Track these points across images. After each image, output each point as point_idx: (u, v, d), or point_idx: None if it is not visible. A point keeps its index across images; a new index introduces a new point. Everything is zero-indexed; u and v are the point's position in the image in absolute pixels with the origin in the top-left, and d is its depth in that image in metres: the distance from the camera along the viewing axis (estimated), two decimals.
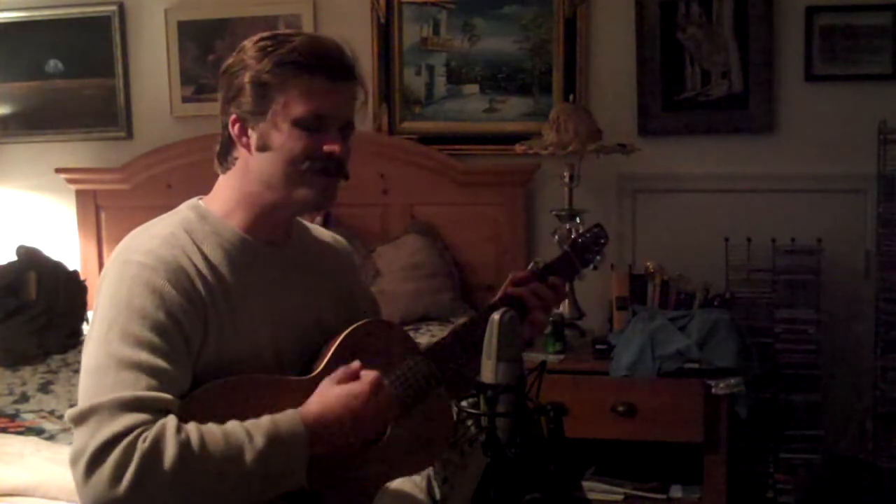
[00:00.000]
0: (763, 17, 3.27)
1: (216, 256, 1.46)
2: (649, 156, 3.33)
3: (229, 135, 1.50)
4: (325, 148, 1.46)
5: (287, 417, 1.37)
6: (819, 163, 3.29)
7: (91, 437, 1.27)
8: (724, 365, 2.77)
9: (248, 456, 1.31)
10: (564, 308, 3.13)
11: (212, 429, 1.31)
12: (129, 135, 3.82)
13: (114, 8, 3.76)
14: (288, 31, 1.52)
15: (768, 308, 3.11)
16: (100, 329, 1.37)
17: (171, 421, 1.29)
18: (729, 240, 3.17)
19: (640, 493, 2.90)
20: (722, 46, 3.32)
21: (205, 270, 1.44)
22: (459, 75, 3.53)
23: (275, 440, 1.33)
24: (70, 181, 3.77)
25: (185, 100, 3.76)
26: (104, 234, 3.76)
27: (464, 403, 1.34)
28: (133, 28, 3.78)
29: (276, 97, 1.44)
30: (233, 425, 1.33)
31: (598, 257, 1.79)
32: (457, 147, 3.51)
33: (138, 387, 1.30)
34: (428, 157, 3.48)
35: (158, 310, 1.36)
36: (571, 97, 3.31)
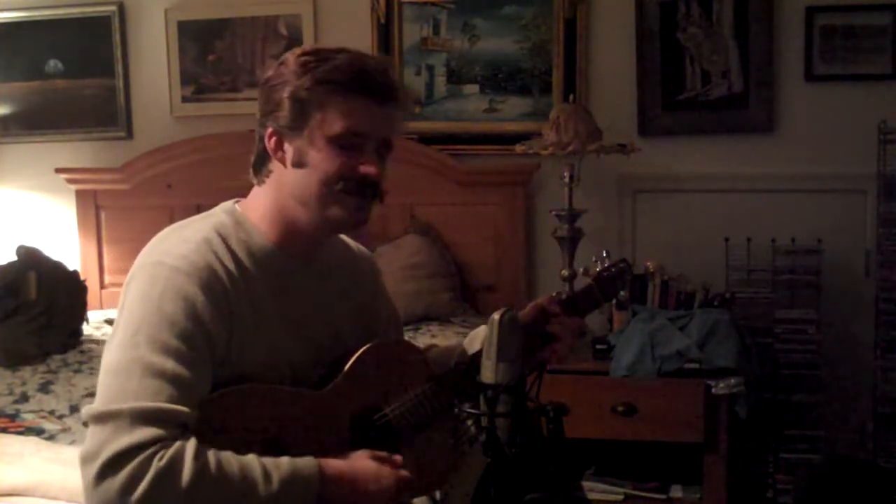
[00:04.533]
0: (763, 17, 3.27)
1: (247, 264, 1.46)
2: (649, 156, 3.33)
3: (265, 147, 1.49)
4: (361, 169, 1.45)
5: (307, 463, 1.37)
6: (819, 163, 3.29)
7: (107, 441, 1.27)
8: (724, 365, 2.77)
9: (262, 493, 1.31)
10: None
11: (230, 459, 1.32)
12: (129, 135, 3.82)
13: (114, 8, 3.76)
14: (332, 47, 1.48)
15: (768, 308, 3.11)
16: (126, 330, 1.36)
17: (190, 444, 1.29)
18: (729, 240, 3.17)
19: (640, 493, 2.90)
20: (722, 46, 3.32)
21: (236, 277, 1.43)
22: (459, 75, 3.53)
23: (289, 482, 1.34)
24: (70, 181, 3.78)
25: (185, 100, 3.76)
26: (104, 234, 3.76)
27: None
28: (133, 28, 3.78)
29: (313, 114, 1.43)
30: (251, 459, 1.33)
31: (621, 292, 1.79)
32: (457, 147, 3.51)
33: (160, 398, 1.30)
34: (428, 157, 3.48)
35: (188, 318, 1.36)
36: (571, 97, 3.30)
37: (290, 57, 1.47)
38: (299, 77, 1.43)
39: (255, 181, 1.53)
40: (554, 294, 1.73)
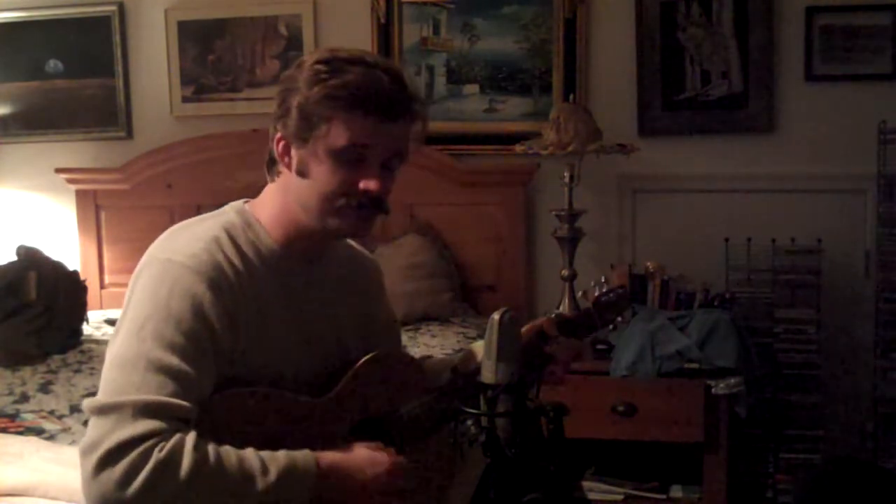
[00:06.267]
0: (763, 17, 3.27)
1: (255, 266, 1.46)
2: (649, 156, 3.33)
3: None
4: (361, 185, 1.44)
5: (303, 456, 1.39)
6: (819, 163, 3.29)
7: (108, 433, 1.28)
8: (724, 365, 2.77)
9: (259, 485, 1.33)
10: (564, 308, 3.13)
11: (229, 452, 1.33)
12: (129, 135, 3.82)
13: (114, 8, 3.76)
14: (348, 55, 1.44)
15: (768, 308, 3.11)
16: (133, 324, 1.37)
17: (190, 436, 1.30)
18: (729, 240, 3.17)
19: (640, 493, 2.91)
20: (722, 46, 3.32)
21: (244, 277, 1.44)
22: (459, 75, 3.53)
23: (286, 474, 1.35)
24: (70, 181, 3.77)
25: (185, 100, 3.76)
26: (104, 234, 3.76)
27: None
28: (133, 28, 3.78)
29: (319, 126, 1.42)
30: (249, 452, 1.35)
31: (618, 318, 1.80)
32: (457, 147, 3.51)
33: (163, 392, 1.31)
34: (428, 157, 3.47)
35: (195, 316, 1.36)
36: (571, 97, 3.30)
37: (308, 60, 1.45)
38: (309, 88, 1.42)
39: (268, 179, 1.53)
40: (552, 315, 1.73)
